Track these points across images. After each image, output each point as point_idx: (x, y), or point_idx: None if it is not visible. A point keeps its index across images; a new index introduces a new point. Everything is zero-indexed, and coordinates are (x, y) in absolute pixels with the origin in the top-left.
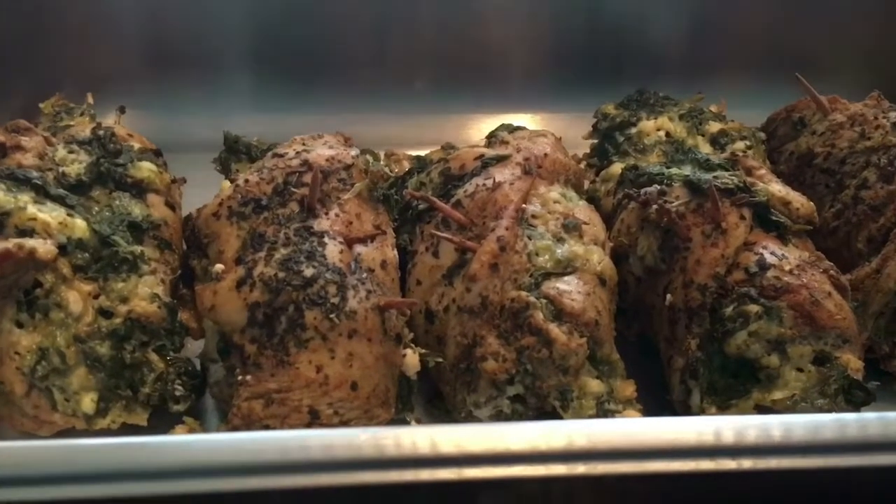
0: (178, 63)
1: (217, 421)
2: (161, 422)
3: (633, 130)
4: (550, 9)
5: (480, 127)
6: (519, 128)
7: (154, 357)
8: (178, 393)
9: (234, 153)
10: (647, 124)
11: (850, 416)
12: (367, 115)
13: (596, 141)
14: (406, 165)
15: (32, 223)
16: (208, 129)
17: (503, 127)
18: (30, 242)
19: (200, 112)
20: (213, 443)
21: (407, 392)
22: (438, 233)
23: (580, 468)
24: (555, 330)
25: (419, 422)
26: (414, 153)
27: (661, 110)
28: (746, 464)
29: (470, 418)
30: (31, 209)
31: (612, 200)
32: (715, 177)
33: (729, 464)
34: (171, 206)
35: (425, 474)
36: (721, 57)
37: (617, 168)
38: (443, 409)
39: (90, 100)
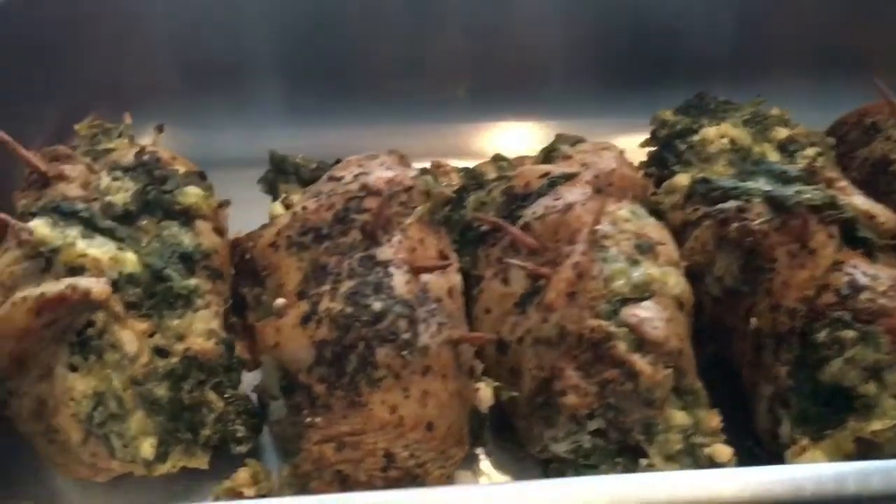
0: (210, 78)
1: (276, 459)
2: (221, 463)
3: (696, 138)
4: (593, 11)
5: (524, 136)
6: (579, 140)
7: (212, 396)
8: (239, 434)
9: (281, 173)
10: (710, 131)
11: None
12: (405, 126)
13: (654, 149)
14: (454, 178)
15: (83, 260)
16: (243, 144)
17: (562, 139)
18: (83, 283)
19: (234, 127)
20: None
21: (478, 426)
22: (511, 260)
23: None
24: (639, 361)
25: (490, 456)
26: (459, 164)
27: (723, 116)
28: None
29: (545, 453)
30: (81, 245)
31: (679, 215)
32: (798, 191)
33: None
34: (220, 231)
35: None
36: (774, 56)
37: (683, 179)
38: (515, 443)
39: (128, 120)
